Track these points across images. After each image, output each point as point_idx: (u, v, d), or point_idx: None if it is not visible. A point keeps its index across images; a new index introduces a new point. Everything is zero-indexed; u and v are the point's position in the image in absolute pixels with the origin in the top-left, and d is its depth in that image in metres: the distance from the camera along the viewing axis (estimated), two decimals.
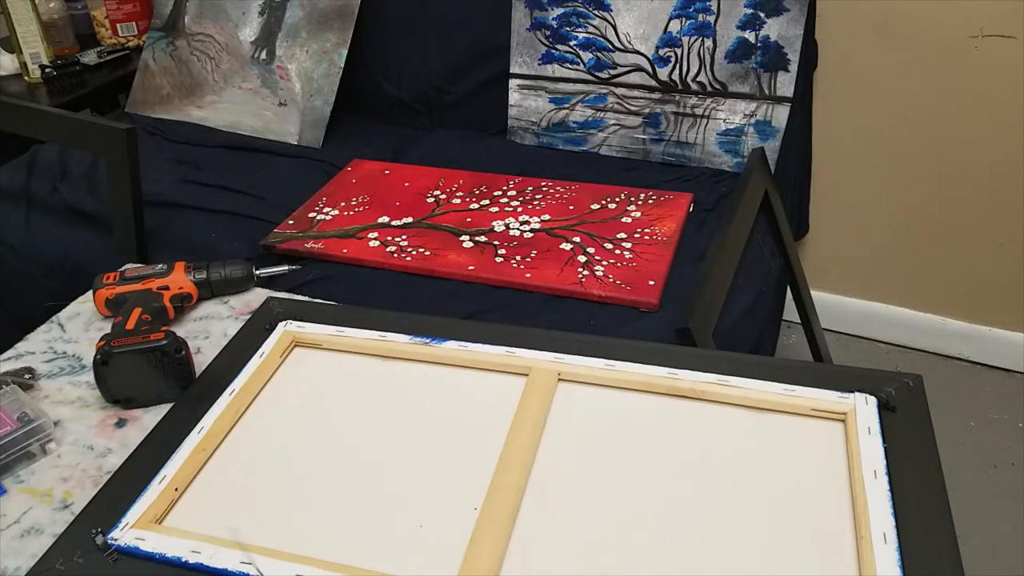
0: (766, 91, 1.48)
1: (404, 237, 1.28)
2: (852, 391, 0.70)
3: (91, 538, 0.63)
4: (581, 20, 1.56)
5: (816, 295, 1.83)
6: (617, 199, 1.35)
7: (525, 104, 1.63)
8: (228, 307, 0.99)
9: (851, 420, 0.67)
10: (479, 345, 0.80)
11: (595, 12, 1.55)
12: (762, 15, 1.46)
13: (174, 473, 0.68)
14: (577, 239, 1.25)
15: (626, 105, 1.56)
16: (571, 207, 1.34)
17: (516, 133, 1.65)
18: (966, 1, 1.47)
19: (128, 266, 1.02)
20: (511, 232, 1.28)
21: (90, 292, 0.97)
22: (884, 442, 0.65)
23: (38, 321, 0.97)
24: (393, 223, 1.32)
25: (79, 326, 0.96)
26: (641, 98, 1.55)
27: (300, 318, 0.87)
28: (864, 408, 0.68)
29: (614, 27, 1.54)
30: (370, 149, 1.61)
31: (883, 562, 0.55)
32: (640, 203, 1.34)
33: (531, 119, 1.63)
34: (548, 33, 1.59)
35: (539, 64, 1.60)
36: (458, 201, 1.37)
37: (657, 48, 1.52)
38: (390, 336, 0.83)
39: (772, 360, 0.77)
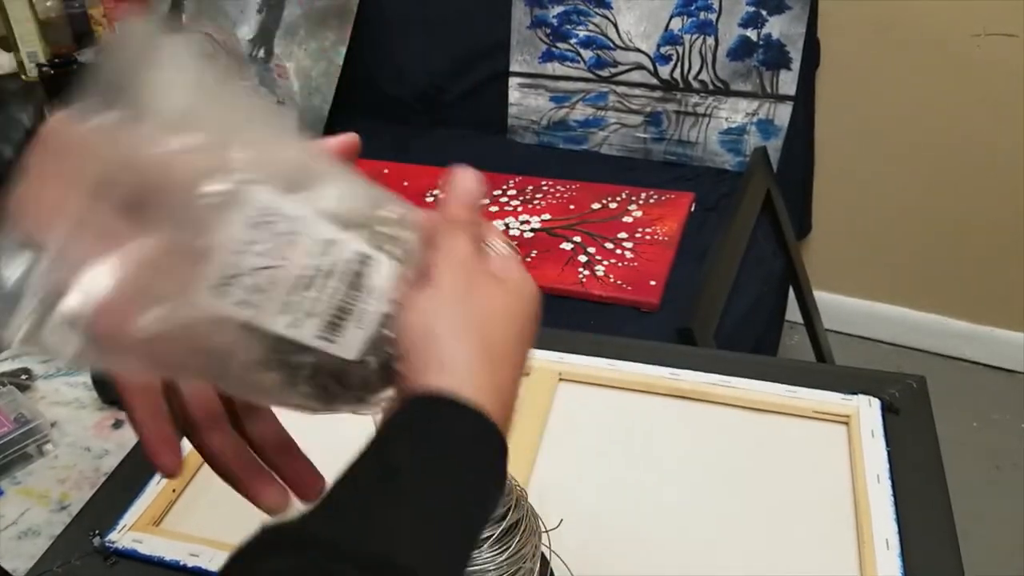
0: (768, 89, 1.47)
1: None
2: (855, 392, 0.69)
3: (89, 540, 0.62)
4: (582, 18, 1.55)
5: (818, 295, 1.83)
6: (618, 198, 1.35)
7: (525, 103, 1.62)
8: None
9: (854, 423, 0.67)
10: None
11: (596, 10, 1.54)
12: (764, 13, 1.45)
13: None
14: (578, 239, 1.24)
15: (627, 104, 1.55)
16: (571, 206, 1.33)
17: (516, 132, 1.64)
18: (969, 0, 1.47)
19: None
20: (511, 232, 1.27)
21: None
22: (887, 445, 0.64)
23: None
24: None
25: None
26: (642, 96, 1.54)
27: None
28: (867, 410, 0.68)
29: (615, 25, 1.54)
30: (369, 148, 1.60)
31: (885, 568, 0.55)
32: (641, 202, 1.33)
33: (531, 118, 1.62)
34: (548, 31, 1.58)
35: (539, 62, 1.60)
36: None
37: (658, 46, 1.51)
38: None
39: (774, 360, 0.76)
